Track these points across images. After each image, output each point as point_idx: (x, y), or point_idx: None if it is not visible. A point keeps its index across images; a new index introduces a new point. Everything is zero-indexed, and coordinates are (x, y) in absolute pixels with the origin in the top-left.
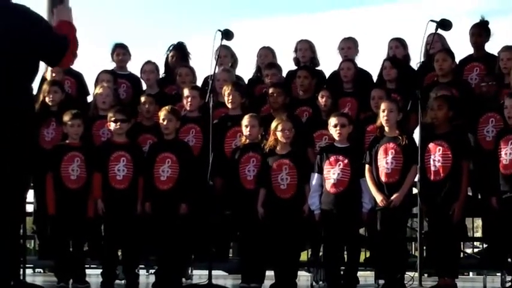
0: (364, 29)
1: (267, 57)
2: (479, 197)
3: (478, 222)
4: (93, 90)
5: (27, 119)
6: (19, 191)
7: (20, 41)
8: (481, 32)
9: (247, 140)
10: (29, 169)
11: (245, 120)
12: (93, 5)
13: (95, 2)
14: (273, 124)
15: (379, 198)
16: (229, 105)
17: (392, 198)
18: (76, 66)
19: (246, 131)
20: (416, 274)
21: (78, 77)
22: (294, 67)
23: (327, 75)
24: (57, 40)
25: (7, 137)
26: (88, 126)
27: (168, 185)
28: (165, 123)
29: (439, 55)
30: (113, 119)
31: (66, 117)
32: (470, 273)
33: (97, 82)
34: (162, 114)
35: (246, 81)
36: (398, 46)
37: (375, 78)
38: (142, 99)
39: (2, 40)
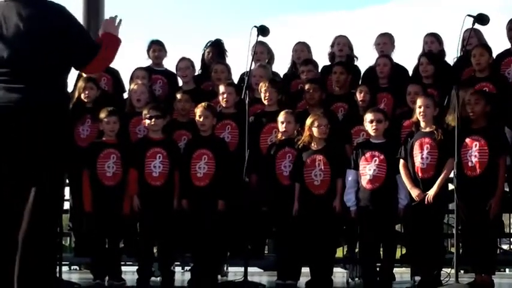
0: (401, 24)
1: (302, 53)
2: None
3: None
4: (128, 87)
5: (60, 115)
6: (55, 188)
7: (53, 37)
8: None
9: (283, 136)
10: (64, 166)
11: (281, 117)
12: (129, 2)
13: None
14: (309, 120)
15: (414, 193)
16: (265, 102)
17: (428, 193)
18: (112, 63)
19: (281, 127)
20: (453, 271)
21: (114, 74)
22: (329, 63)
23: (362, 71)
24: (88, 44)
25: (41, 133)
26: (124, 123)
27: (205, 182)
28: (201, 119)
29: (476, 50)
30: (147, 115)
31: (102, 114)
32: (507, 269)
33: (132, 79)
34: (198, 110)
35: (282, 76)
36: (433, 41)
37: (410, 73)
38: (178, 96)
39: (35, 34)
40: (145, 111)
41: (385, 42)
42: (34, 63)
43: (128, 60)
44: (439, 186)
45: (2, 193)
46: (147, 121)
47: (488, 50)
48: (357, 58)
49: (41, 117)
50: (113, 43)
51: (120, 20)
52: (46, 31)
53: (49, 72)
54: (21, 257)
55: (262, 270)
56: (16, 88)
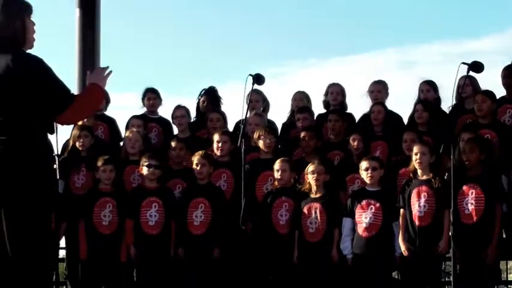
0: (393, 71)
1: (301, 101)
2: None
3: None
4: (124, 135)
5: (25, 163)
6: (36, 232)
7: (23, 87)
8: None
9: (279, 185)
10: (42, 208)
11: (276, 165)
12: (124, 50)
13: (127, 47)
14: (307, 168)
15: (403, 247)
16: (260, 150)
17: (440, 248)
18: (109, 111)
19: (277, 175)
20: None
21: (111, 122)
22: (323, 110)
23: (357, 117)
24: (62, 93)
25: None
26: (119, 172)
27: (202, 230)
28: (198, 168)
29: (478, 96)
30: (146, 163)
31: (98, 163)
32: None
33: (127, 127)
34: (195, 159)
35: (280, 126)
36: (429, 89)
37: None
38: (173, 144)
39: (5, 84)
40: (144, 159)
41: (379, 90)
42: (13, 116)
43: (124, 109)
44: (446, 237)
45: None
46: (145, 169)
47: (491, 96)
48: (347, 106)
49: (21, 170)
50: (95, 93)
51: (110, 72)
52: (16, 81)
53: (28, 126)
54: None
55: None
56: None
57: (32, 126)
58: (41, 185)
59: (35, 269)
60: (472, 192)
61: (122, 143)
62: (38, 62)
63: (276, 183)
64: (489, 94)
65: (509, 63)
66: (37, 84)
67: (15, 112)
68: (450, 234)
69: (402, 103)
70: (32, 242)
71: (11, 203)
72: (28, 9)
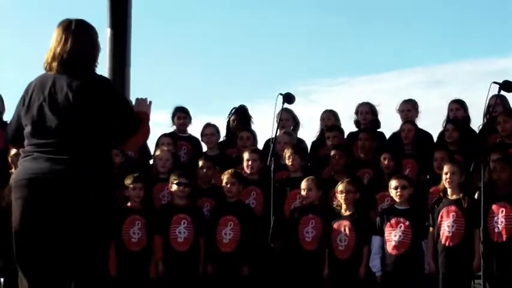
0: (421, 89)
1: (329, 120)
2: None
3: None
4: (153, 153)
5: (104, 186)
6: (101, 253)
7: (98, 111)
8: None
9: (306, 202)
10: (108, 236)
11: (303, 184)
12: (154, 69)
13: (157, 65)
14: (336, 187)
15: (430, 268)
16: (290, 168)
17: (474, 266)
18: None
19: (304, 193)
20: None
21: None
22: (355, 128)
23: (388, 134)
24: (130, 121)
25: (85, 204)
26: (149, 189)
27: (231, 248)
28: (228, 186)
29: (500, 117)
30: (176, 181)
31: (128, 181)
32: None
33: (157, 145)
34: (225, 177)
35: (310, 144)
36: (459, 108)
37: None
38: (200, 163)
39: (83, 107)
40: (173, 177)
41: (409, 109)
42: (80, 135)
43: (153, 126)
44: (478, 256)
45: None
46: (175, 187)
47: None
48: (380, 125)
49: (85, 188)
50: (148, 124)
51: (150, 102)
52: (93, 105)
53: (94, 145)
54: None
55: None
56: (61, 160)
57: (107, 151)
58: (106, 201)
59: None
60: (502, 211)
61: (151, 161)
62: (109, 86)
63: (304, 201)
64: (510, 114)
65: None
66: (107, 108)
67: (80, 133)
68: (481, 252)
69: (431, 121)
70: (97, 260)
71: (79, 218)
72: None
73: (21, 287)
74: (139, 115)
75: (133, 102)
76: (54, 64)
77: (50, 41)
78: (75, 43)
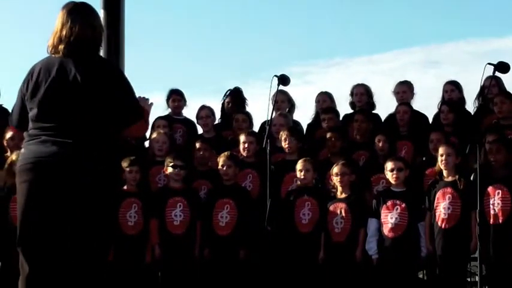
0: (418, 70)
1: (325, 103)
2: None
3: None
4: (149, 136)
5: (107, 168)
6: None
7: (103, 94)
8: None
9: (301, 184)
10: (111, 216)
11: (299, 165)
12: (147, 50)
13: (149, 47)
14: (332, 169)
15: (428, 250)
16: (286, 150)
17: (470, 248)
18: None
19: (300, 174)
20: None
21: None
22: (350, 110)
23: (383, 116)
24: (134, 106)
25: (88, 186)
26: (145, 172)
27: (227, 231)
28: (224, 169)
29: (497, 98)
30: (171, 164)
31: (124, 164)
32: None
33: (153, 128)
34: (221, 160)
35: (305, 126)
36: (453, 89)
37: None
38: (197, 144)
39: (89, 90)
40: (169, 160)
41: (404, 91)
42: (87, 118)
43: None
44: (475, 238)
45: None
46: (170, 169)
47: (510, 97)
48: (375, 106)
49: (89, 171)
50: (147, 119)
51: (152, 103)
52: (101, 88)
53: (100, 128)
54: None
55: None
56: (68, 143)
57: (111, 134)
58: (110, 184)
59: (99, 262)
60: (498, 193)
61: (147, 144)
62: (115, 69)
63: (299, 182)
64: (508, 95)
65: None
66: (114, 92)
67: (86, 117)
68: (477, 234)
69: (427, 103)
70: (101, 240)
71: (82, 202)
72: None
73: (22, 271)
74: (145, 111)
75: None
76: (61, 47)
77: (55, 24)
78: (81, 26)
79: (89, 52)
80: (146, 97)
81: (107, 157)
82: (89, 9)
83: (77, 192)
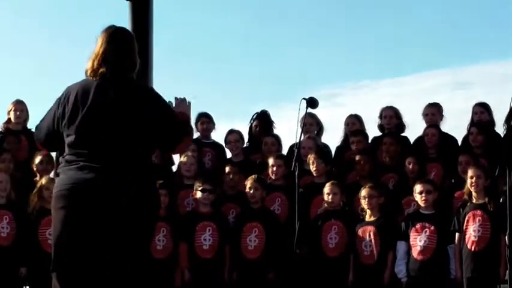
0: (446, 92)
1: (354, 125)
2: None
3: None
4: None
5: (147, 195)
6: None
7: (143, 121)
8: None
9: (329, 207)
10: (149, 239)
11: (326, 188)
12: (178, 75)
13: (180, 72)
14: (360, 192)
15: (457, 273)
16: (314, 173)
17: (500, 271)
18: None
19: (327, 198)
20: None
21: None
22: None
23: (412, 139)
24: (175, 130)
25: (129, 211)
26: (173, 196)
27: (256, 254)
28: (251, 192)
29: None
30: (200, 188)
31: None
32: None
33: None
34: (248, 183)
35: (334, 149)
36: (483, 111)
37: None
38: (227, 168)
39: (128, 117)
40: (198, 184)
41: (433, 113)
42: (128, 145)
43: None
44: (504, 261)
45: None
46: (199, 194)
47: None
48: (404, 128)
49: (123, 193)
50: (188, 124)
51: (190, 102)
52: (138, 112)
53: (139, 154)
54: None
55: None
56: (100, 168)
57: (149, 159)
58: (155, 205)
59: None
60: None
61: (174, 167)
62: (154, 92)
63: (326, 205)
64: None
65: None
66: (154, 116)
67: (125, 141)
68: (508, 257)
69: (456, 124)
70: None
71: (117, 225)
72: None
73: None
74: (180, 116)
75: (173, 102)
76: (101, 70)
77: (95, 47)
78: (120, 51)
79: (127, 76)
80: (183, 97)
81: (144, 180)
82: (129, 35)
83: (113, 214)
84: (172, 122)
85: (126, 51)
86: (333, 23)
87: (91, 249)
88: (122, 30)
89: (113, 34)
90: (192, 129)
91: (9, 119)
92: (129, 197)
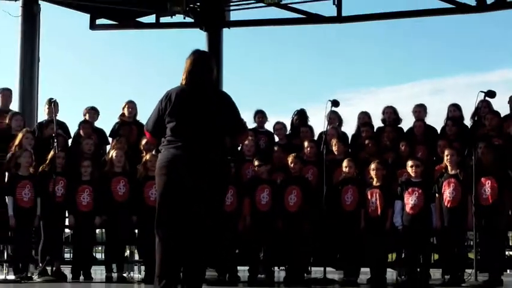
0: (426, 96)
1: (364, 119)
2: None
3: None
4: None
5: (224, 164)
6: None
7: (225, 115)
8: None
9: (346, 176)
10: (225, 192)
11: (344, 163)
12: (241, 85)
13: (242, 81)
14: (369, 166)
15: (437, 224)
16: (335, 153)
17: (468, 222)
18: None
19: (345, 169)
20: (473, 271)
21: None
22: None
23: (406, 128)
24: (242, 124)
25: (215, 172)
26: (238, 168)
27: (295, 209)
28: (292, 165)
29: (488, 115)
30: (257, 163)
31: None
32: (508, 270)
33: None
34: (290, 159)
35: (350, 136)
36: (455, 110)
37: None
38: (275, 149)
39: (218, 112)
40: (256, 159)
41: (420, 111)
42: (212, 131)
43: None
44: (470, 214)
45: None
46: (257, 167)
47: (498, 115)
48: (400, 121)
49: (215, 165)
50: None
51: (245, 122)
52: (221, 111)
53: (219, 138)
54: (202, 239)
55: (335, 270)
56: (192, 147)
57: (220, 139)
58: (228, 173)
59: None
60: (488, 183)
61: (239, 147)
62: (230, 98)
63: (344, 175)
64: (495, 113)
65: None
66: (228, 113)
67: (209, 129)
68: (473, 212)
69: (436, 119)
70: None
71: (211, 176)
72: None
73: (158, 252)
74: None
75: None
76: (193, 81)
77: (185, 65)
78: (203, 67)
79: (208, 85)
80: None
81: (220, 157)
82: (210, 57)
83: (199, 179)
84: (239, 120)
85: (207, 68)
86: (350, 48)
87: (183, 203)
88: (204, 53)
89: (199, 56)
90: (247, 128)
91: (123, 113)
92: (210, 168)
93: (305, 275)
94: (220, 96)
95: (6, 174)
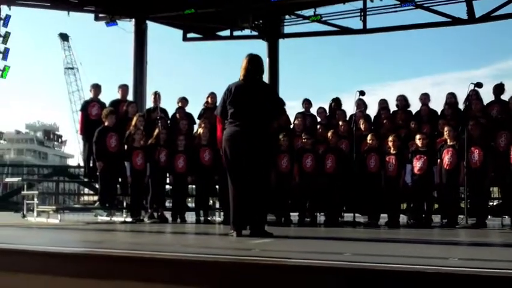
0: (430, 88)
1: (383, 104)
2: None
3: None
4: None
5: (269, 138)
6: (269, 166)
7: (270, 102)
8: (498, 88)
9: (370, 146)
10: (272, 156)
11: (369, 137)
12: (292, 73)
13: (292, 77)
14: (387, 139)
15: (438, 181)
16: (362, 129)
17: (460, 181)
18: None
19: (369, 142)
20: (464, 216)
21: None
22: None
23: (414, 111)
24: (282, 108)
25: (263, 140)
26: (291, 140)
27: (331, 171)
28: (330, 138)
29: (475, 101)
30: (305, 137)
31: (280, 136)
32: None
33: (296, 118)
34: (329, 134)
35: (373, 117)
36: (451, 97)
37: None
38: (318, 127)
39: (266, 100)
40: (303, 136)
41: (424, 98)
42: (262, 114)
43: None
44: (462, 174)
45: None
46: (304, 140)
47: (481, 101)
48: (409, 106)
49: (263, 137)
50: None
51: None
52: (269, 99)
53: (266, 119)
54: (257, 193)
55: (361, 215)
56: (247, 126)
57: (267, 120)
58: (272, 144)
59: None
60: (476, 151)
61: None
62: (273, 89)
63: (368, 146)
64: (481, 100)
65: (496, 83)
66: (273, 100)
67: (259, 113)
68: (464, 173)
69: (436, 104)
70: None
71: (261, 142)
72: None
73: (231, 192)
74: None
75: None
76: (249, 77)
77: (242, 65)
78: (256, 66)
79: (259, 79)
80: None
81: (267, 132)
82: (261, 59)
83: (253, 146)
84: (281, 105)
85: (258, 66)
86: (373, 52)
87: (245, 162)
88: (256, 55)
89: (252, 58)
90: (286, 112)
91: (207, 101)
92: (258, 139)
93: (339, 219)
94: (266, 88)
95: (125, 146)
